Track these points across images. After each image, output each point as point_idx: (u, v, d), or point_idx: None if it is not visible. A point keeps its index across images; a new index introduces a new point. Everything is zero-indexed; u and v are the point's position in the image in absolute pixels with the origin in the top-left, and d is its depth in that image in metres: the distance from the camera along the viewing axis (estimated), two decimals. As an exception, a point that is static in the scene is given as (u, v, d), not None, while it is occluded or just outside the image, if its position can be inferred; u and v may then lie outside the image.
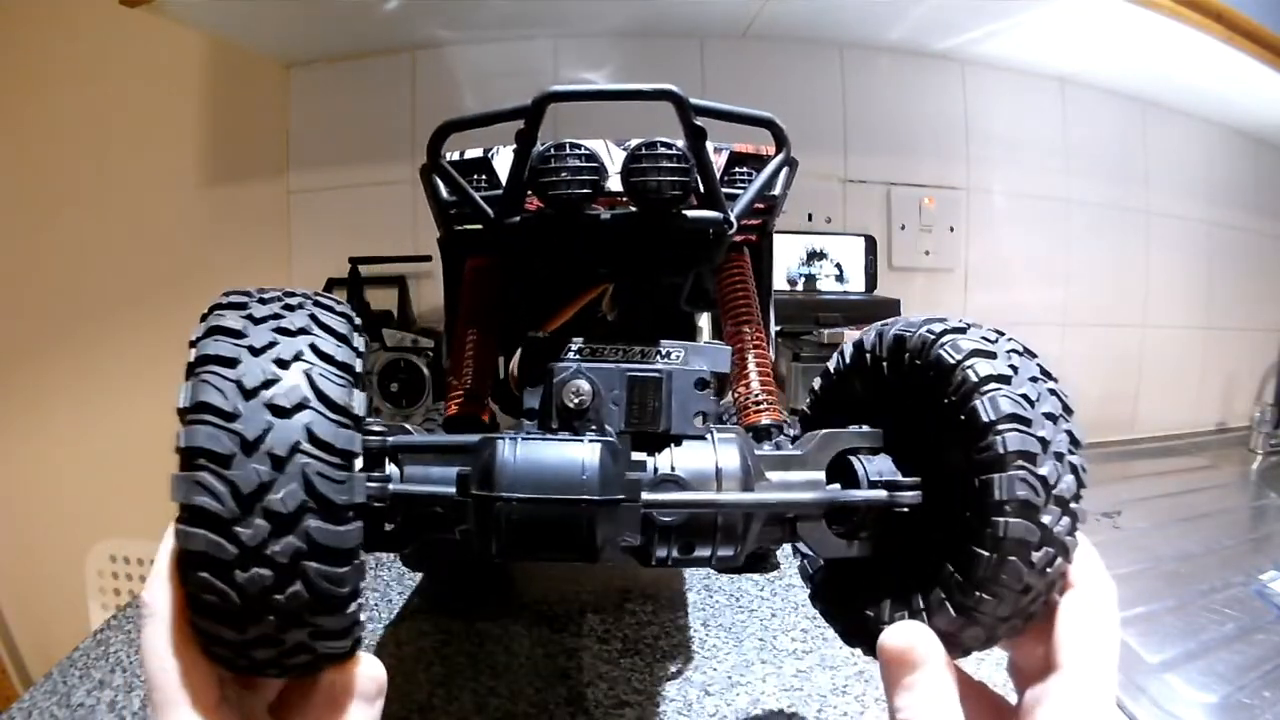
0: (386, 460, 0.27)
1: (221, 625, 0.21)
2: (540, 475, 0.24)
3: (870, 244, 0.95)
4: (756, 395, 0.36)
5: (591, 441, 0.25)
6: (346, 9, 0.82)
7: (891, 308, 0.88)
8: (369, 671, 0.24)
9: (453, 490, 0.25)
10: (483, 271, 0.39)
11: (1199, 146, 1.17)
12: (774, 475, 0.28)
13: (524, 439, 0.25)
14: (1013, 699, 0.27)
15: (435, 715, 0.42)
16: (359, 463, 0.25)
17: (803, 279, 0.93)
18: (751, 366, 0.37)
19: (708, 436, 0.28)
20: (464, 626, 0.51)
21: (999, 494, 0.23)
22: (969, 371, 0.25)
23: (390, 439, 0.27)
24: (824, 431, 0.29)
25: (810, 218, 0.97)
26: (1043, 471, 0.24)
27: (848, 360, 0.31)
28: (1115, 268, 1.12)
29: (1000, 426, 0.24)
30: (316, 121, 0.96)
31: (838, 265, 0.94)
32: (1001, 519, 0.23)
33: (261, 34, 0.88)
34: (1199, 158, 1.17)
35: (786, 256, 0.93)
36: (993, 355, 0.25)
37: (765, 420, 0.35)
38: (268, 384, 0.21)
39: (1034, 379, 0.25)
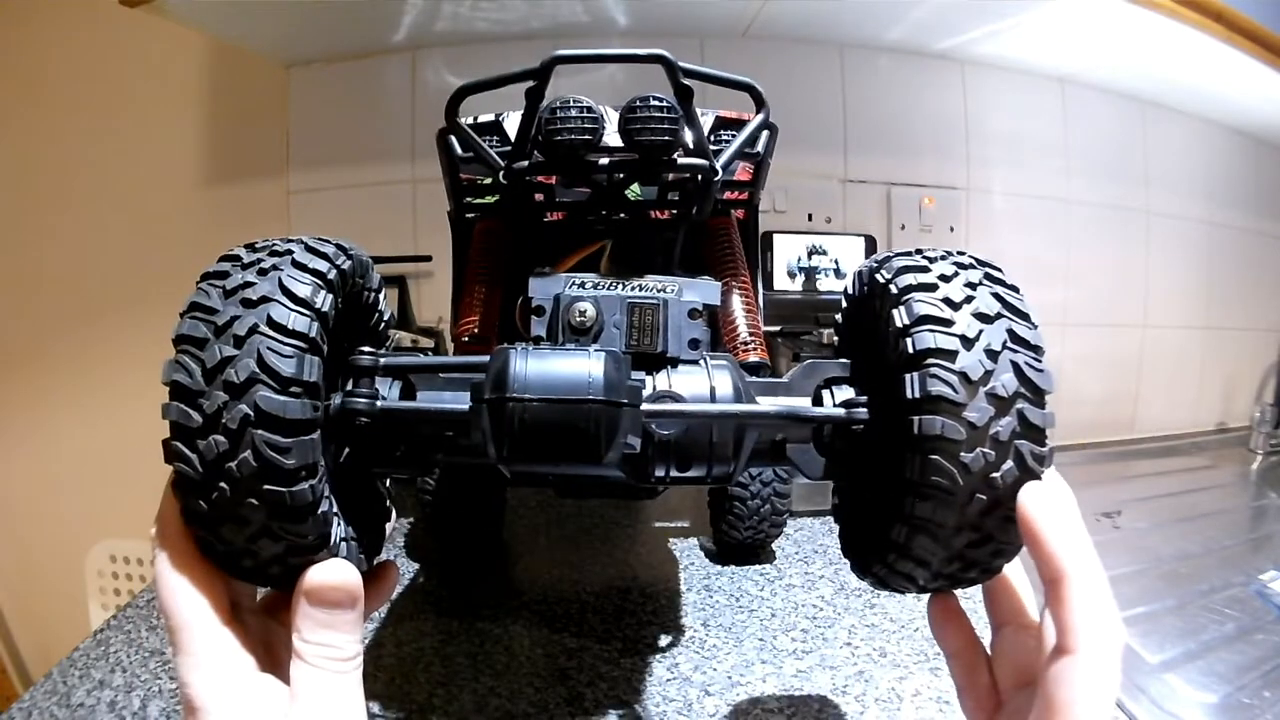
0: (378, 380, 0.29)
1: (190, 495, 0.23)
2: (550, 380, 0.25)
3: (870, 244, 0.95)
4: (744, 337, 0.39)
5: (596, 352, 0.26)
6: (346, 9, 0.82)
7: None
8: (333, 575, 0.24)
9: (459, 408, 0.27)
10: (491, 232, 0.42)
11: (1199, 146, 1.17)
12: (763, 400, 0.30)
13: (534, 350, 0.26)
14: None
15: (435, 715, 0.42)
16: (334, 396, 0.27)
17: (802, 273, 0.93)
18: (739, 313, 0.40)
19: (701, 362, 0.31)
20: (464, 626, 0.51)
21: (910, 391, 0.24)
22: (891, 286, 0.26)
23: (398, 359, 0.29)
24: (807, 362, 0.31)
25: (810, 218, 0.97)
26: (959, 366, 0.24)
27: (845, 300, 0.33)
28: (1115, 268, 1.12)
29: (914, 329, 0.25)
30: (316, 121, 0.96)
31: (835, 261, 0.94)
32: (917, 416, 0.24)
33: (261, 34, 0.88)
34: (1199, 158, 1.17)
35: (787, 256, 0.93)
36: (924, 269, 0.26)
37: (753, 358, 0.38)
38: (245, 285, 0.24)
39: (971, 284, 0.25)
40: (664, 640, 0.50)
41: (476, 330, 0.39)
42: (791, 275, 0.92)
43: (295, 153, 0.96)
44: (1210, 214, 1.18)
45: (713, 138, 0.38)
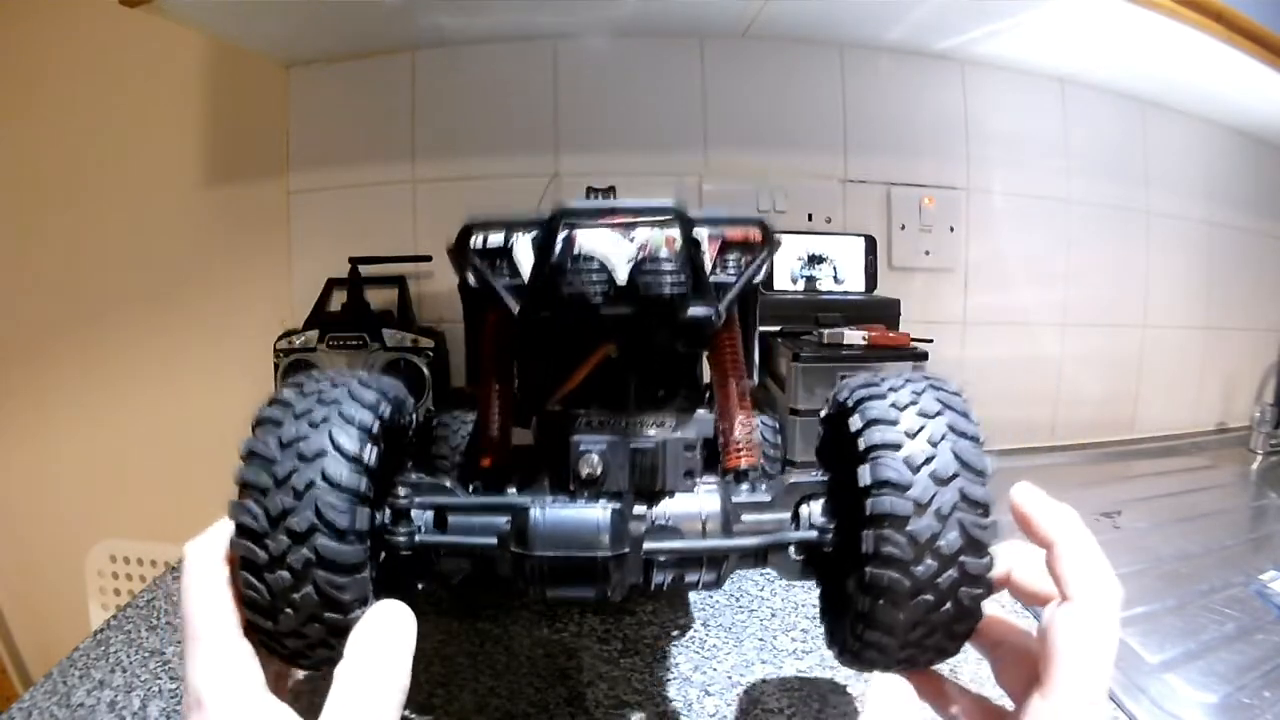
0: (413, 514, 0.32)
1: (258, 614, 0.27)
2: (564, 535, 0.30)
3: (870, 244, 0.95)
4: (738, 442, 0.42)
5: (603, 507, 0.31)
6: (346, 9, 0.82)
7: (891, 308, 0.88)
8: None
9: (489, 541, 0.31)
10: (503, 322, 0.43)
11: (1199, 146, 1.17)
12: (748, 517, 0.35)
13: (550, 505, 0.30)
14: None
15: (435, 715, 0.42)
16: (378, 514, 0.31)
17: (803, 279, 0.93)
18: (736, 418, 0.42)
19: (695, 489, 0.35)
20: (464, 626, 0.51)
21: (865, 547, 0.28)
22: (861, 440, 0.29)
23: (430, 499, 0.33)
24: (790, 480, 0.35)
25: (810, 218, 0.97)
26: (913, 529, 0.27)
27: (824, 414, 0.36)
28: (1115, 268, 1.12)
29: (874, 491, 0.28)
30: (316, 121, 0.95)
31: (833, 265, 0.94)
32: (868, 569, 0.27)
33: (261, 34, 0.88)
34: (1199, 158, 1.17)
35: (787, 257, 0.93)
36: (893, 423, 0.29)
37: (744, 464, 0.41)
38: (300, 439, 0.27)
39: (934, 442, 0.28)
40: (663, 640, 0.50)
41: (494, 457, 0.42)
42: (794, 280, 0.93)
43: (295, 153, 0.96)
44: (1210, 214, 1.18)
45: (718, 261, 0.39)
